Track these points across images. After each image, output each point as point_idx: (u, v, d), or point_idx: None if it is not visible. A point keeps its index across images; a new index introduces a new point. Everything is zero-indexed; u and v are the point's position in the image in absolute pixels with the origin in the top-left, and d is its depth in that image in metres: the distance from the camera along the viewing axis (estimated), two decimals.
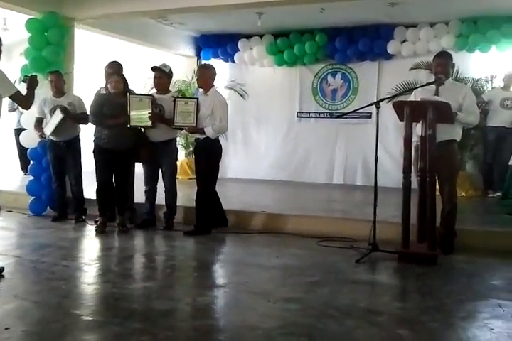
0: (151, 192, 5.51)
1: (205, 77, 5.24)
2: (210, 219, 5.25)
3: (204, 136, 5.14)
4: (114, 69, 5.52)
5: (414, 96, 4.68)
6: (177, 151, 5.63)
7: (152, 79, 5.53)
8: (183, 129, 5.44)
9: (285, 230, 5.31)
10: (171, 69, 5.54)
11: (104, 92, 5.49)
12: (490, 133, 7.19)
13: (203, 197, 5.18)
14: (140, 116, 5.21)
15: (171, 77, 5.63)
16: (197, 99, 5.27)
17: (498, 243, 4.64)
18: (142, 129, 5.42)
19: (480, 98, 5.63)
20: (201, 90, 5.37)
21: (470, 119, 4.45)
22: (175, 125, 5.26)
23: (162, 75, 5.45)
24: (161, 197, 5.55)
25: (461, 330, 2.85)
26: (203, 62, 9.30)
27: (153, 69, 5.46)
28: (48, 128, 5.67)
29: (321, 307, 3.19)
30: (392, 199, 4.87)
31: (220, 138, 5.31)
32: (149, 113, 5.19)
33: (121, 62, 5.70)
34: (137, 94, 5.27)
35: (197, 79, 5.29)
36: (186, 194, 5.75)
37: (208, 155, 5.18)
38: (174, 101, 5.28)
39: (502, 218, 5.45)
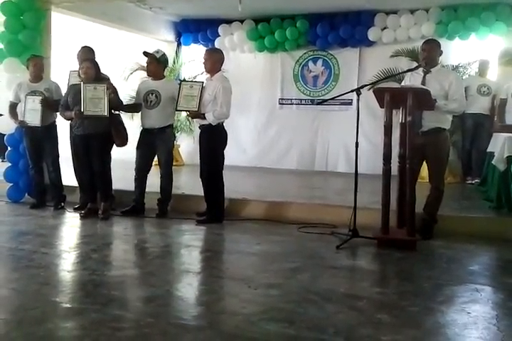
0: (141, 179, 5.45)
1: (212, 60, 5.11)
2: (222, 207, 5.21)
3: (207, 123, 5.04)
4: (86, 55, 5.44)
5: (404, 84, 4.70)
6: (174, 138, 5.53)
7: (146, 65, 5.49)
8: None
9: (266, 217, 5.32)
10: (164, 54, 5.47)
11: (76, 81, 5.40)
12: (468, 120, 7.25)
13: (212, 184, 5.12)
14: (95, 105, 5.06)
15: (164, 63, 5.53)
16: (202, 82, 5.18)
17: (476, 228, 4.71)
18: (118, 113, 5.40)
19: None
20: (207, 75, 5.26)
21: (452, 107, 4.44)
22: (178, 109, 5.20)
23: (152, 61, 5.38)
24: (149, 184, 5.52)
25: (439, 314, 2.90)
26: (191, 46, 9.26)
27: (145, 54, 5.40)
28: (34, 119, 5.55)
29: (302, 292, 3.21)
30: (372, 186, 4.90)
31: None
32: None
33: (93, 47, 5.64)
34: (91, 83, 5.10)
35: (203, 63, 5.15)
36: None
37: (213, 142, 5.09)
38: (180, 84, 5.21)
39: (480, 204, 5.52)
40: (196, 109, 5.04)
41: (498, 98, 6.98)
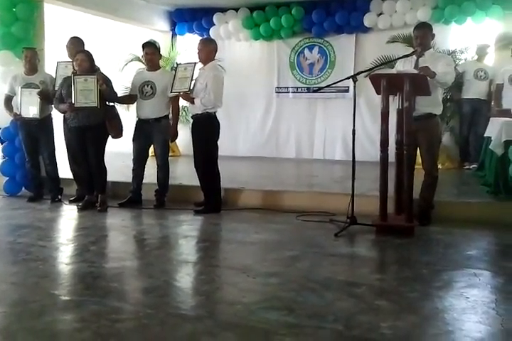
0: (139, 170, 5.44)
1: (206, 50, 5.09)
2: (219, 196, 5.21)
3: (199, 112, 5.01)
4: (77, 47, 5.41)
5: (395, 71, 4.67)
6: (169, 128, 5.48)
7: (144, 55, 5.46)
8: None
9: (265, 206, 5.31)
10: (159, 45, 5.46)
11: (65, 72, 5.40)
12: (465, 105, 7.24)
13: (207, 175, 5.11)
14: (86, 96, 5.01)
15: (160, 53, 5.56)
16: (195, 63, 5.14)
17: (473, 214, 4.72)
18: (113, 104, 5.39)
19: (456, 70, 5.65)
20: (201, 65, 5.20)
21: (447, 78, 4.38)
22: (172, 91, 5.14)
23: (154, 51, 5.38)
24: (146, 175, 5.51)
25: (437, 300, 2.91)
26: (177, 36, 9.20)
27: (145, 45, 5.38)
28: (33, 112, 5.54)
29: (301, 280, 3.21)
30: (370, 173, 4.90)
31: None
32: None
33: (82, 38, 5.61)
34: (82, 74, 5.06)
35: (198, 53, 5.12)
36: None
37: (205, 131, 5.06)
38: (176, 68, 5.23)
39: (478, 189, 5.51)
40: (188, 90, 5.01)
41: (495, 83, 6.96)
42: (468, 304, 2.82)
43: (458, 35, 7.75)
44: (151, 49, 5.37)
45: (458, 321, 2.63)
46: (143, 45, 5.41)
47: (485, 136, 6.06)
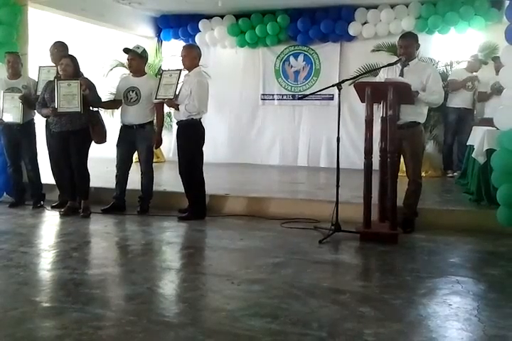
0: (122, 176, 5.40)
1: (190, 56, 5.08)
2: (204, 203, 5.19)
3: (184, 118, 5.01)
4: (62, 51, 5.38)
5: (379, 78, 4.71)
6: (154, 135, 5.44)
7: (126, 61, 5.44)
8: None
9: (249, 212, 5.30)
10: (144, 50, 5.43)
11: (46, 77, 5.38)
12: (451, 114, 7.29)
13: (192, 181, 5.08)
14: (69, 101, 4.99)
15: (146, 59, 5.51)
16: (180, 70, 5.13)
17: (456, 221, 4.76)
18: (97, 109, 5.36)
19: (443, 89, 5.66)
20: (186, 71, 5.19)
21: (433, 99, 4.47)
22: (156, 98, 5.12)
23: (134, 57, 5.34)
24: (130, 181, 5.47)
25: (421, 307, 2.92)
26: (164, 42, 9.19)
27: (126, 50, 5.35)
28: (15, 117, 5.48)
29: (285, 287, 3.20)
30: (354, 181, 4.92)
31: None
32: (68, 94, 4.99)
33: (66, 43, 5.59)
34: (65, 79, 5.04)
35: (182, 59, 5.11)
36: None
37: (190, 138, 5.05)
38: (161, 74, 5.21)
39: (460, 197, 5.56)
40: (172, 97, 5.00)
41: (477, 91, 7.04)
42: (451, 311, 2.84)
43: (440, 45, 7.84)
44: (130, 54, 5.35)
45: (441, 328, 2.64)
46: (123, 50, 5.37)
47: (468, 144, 6.12)
